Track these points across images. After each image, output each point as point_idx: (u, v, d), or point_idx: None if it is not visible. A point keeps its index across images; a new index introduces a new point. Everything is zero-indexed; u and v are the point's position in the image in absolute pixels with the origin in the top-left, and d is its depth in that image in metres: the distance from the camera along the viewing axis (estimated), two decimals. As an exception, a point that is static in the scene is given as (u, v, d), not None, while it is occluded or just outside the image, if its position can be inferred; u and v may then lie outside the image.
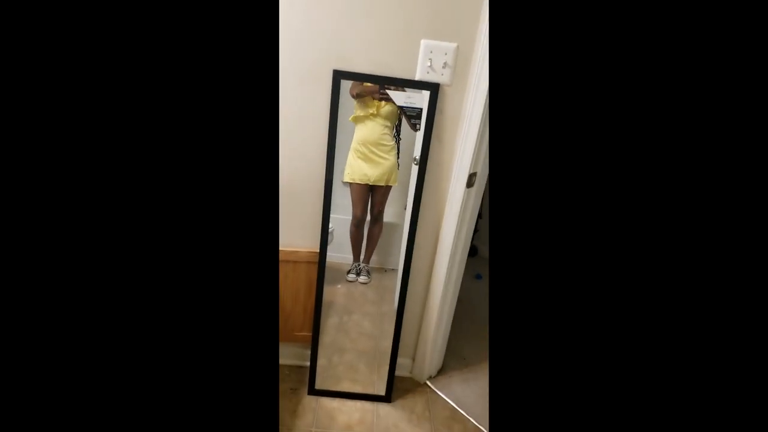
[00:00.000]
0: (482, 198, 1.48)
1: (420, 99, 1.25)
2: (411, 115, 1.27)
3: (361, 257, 1.57)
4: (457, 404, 1.54)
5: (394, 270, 1.53)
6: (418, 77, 1.21)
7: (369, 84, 1.25)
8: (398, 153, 1.40)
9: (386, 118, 1.32)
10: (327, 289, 1.46)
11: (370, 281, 1.59)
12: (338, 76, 1.20)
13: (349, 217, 1.49)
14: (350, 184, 1.42)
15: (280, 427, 1.36)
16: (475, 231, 2.60)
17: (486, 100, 1.19)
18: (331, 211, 1.36)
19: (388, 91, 1.26)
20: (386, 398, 1.51)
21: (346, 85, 1.22)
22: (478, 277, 2.43)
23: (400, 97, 1.26)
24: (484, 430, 1.45)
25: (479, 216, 2.56)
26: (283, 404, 1.44)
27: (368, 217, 1.51)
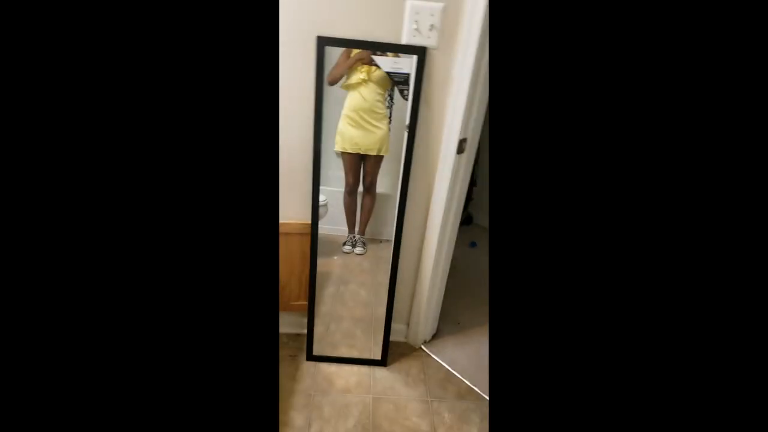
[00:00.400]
0: (475, 165, 1.47)
1: (408, 64, 1.22)
2: (399, 81, 1.25)
3: (356, 229, 1.57)
4: (451, 366, 1.59)
5: (389, 241, 1.54)
6: (404, 41, 1.18)
7: (350, 57, 1.22)
8: (390, 121, 1.37)
9: (378, 84, 1.29)
10: (323, 261, 1.48)
11: (365, 252, 1.60)
12: (322, 42, 1.17)
13: (342, 190, 1.49)
14: (342, 153, 1.41)
15: (279, 391, 1.41)
16: (470, 199, 2.61)
17: (474, 63, 1.16)
18: (324, 184, 1.35)
19: (374, 57, 1.23)
20: (382, 362, 1.56)
21: (330, 51, 1.20)
22: (473, 244, 2.45)
23: (386, 63, 1.23)
24: (477, 389, 1.50)
25: (474, 184, 2.56)
26: (283, 370, 1.49)
27: (361, 188, 1.50)
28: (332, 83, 1.27)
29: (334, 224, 1.54)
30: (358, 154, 1.42)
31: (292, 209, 1.40)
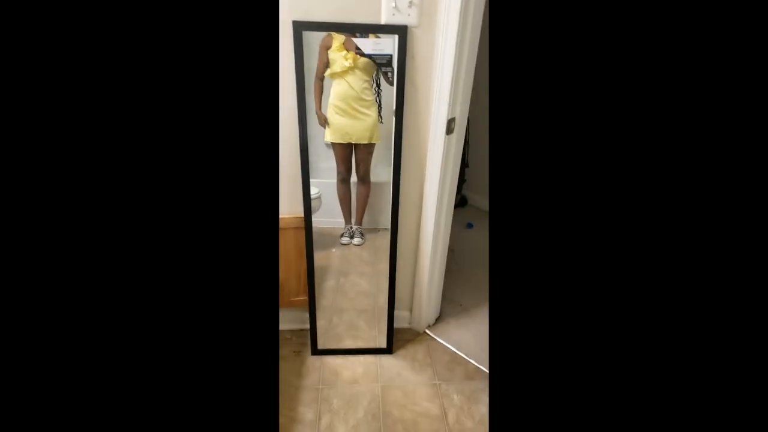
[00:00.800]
0: (465, 146, 1.44)
1: (390, 45, 1.19)
2: (381, 63, 1.21)
3: (353, 219, 1.55)
4: (456, 348, 1.59)
5: (387, 229, 1.52)
6: (384, 21, 1.14)
7: (329, 48, 1.21)
8: (380, 108, 1.34)
9: (364, 70, 1.26)
10: (322, 254, 1.46)
11: (364, 242, 1.58)
12: (299, 27, 1.13)
13: (335, 181, 1.47)
14: (332, 144, 1.38)
15: (287, 388, 1.40)
16: (464, 181, 2.59)
17: (457, 38, 1.13)
18: (316, 176, 1.33)
19: (354, 40, 1.19)
20: (388, 350, 1.55)
21: (308, 36, 1.16)
22: (469, 225, 2.44)
23: (367, 45, 1.19)
24: (483, 369, 1.51)
25: (466, 165, 2.54)
26: (288, 366, 1.48)
27: (355, 179, 1.48)
28: (322, 78, 1.26)
29: (330, 217, 1.52)
30: (349, 144, 1.39)
31: (283, 204, 1.38)
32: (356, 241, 1.57)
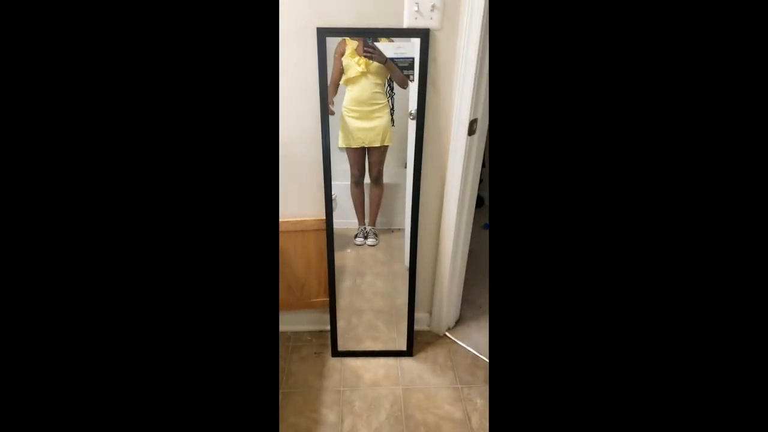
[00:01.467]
0: (485, 145, 1.44)
1: (411, 48, 1.19)
2: (403, 66, 1.22)
3: (366, 220, 1.56)
4: (477, 351, 1.58)
5: (401, 229, 1.53)
6: (406, 24, 1.14)
7: (343, 56, 1.23)
8: (392, 110, 1.35)
9: (377, 74, 1.27)
10: (337, 255, 1.47)
11: (378, 243, 1.59)
12: (323, 33, 1.14)
13: (349, 183, 1.47)
14: (346, 147, 1.40)
15: (309, 390, 1.41)
16: (480, 181, 2.57)
17: (480, 41, 1.13)
18: (332, 178, 1.33)
19: (377, 44, 1.20)
20: (408, 353, 1.55)
21: (331, 42, 1.17)
22: (486, 226, 2.43)
23: (389, 49, 1.20)
24: (505, 372, 1.50)
25: (483, 165, 2.52)
26: (309, 367, 1.49)
27: (368, 180, 1.48)
28: (338, 84, 1.27)
29: (344, 218, 1.52)
30: (363, 147, 1.40)
31: (304, 206, 1.39)
32: (370, 241, 1.58)
